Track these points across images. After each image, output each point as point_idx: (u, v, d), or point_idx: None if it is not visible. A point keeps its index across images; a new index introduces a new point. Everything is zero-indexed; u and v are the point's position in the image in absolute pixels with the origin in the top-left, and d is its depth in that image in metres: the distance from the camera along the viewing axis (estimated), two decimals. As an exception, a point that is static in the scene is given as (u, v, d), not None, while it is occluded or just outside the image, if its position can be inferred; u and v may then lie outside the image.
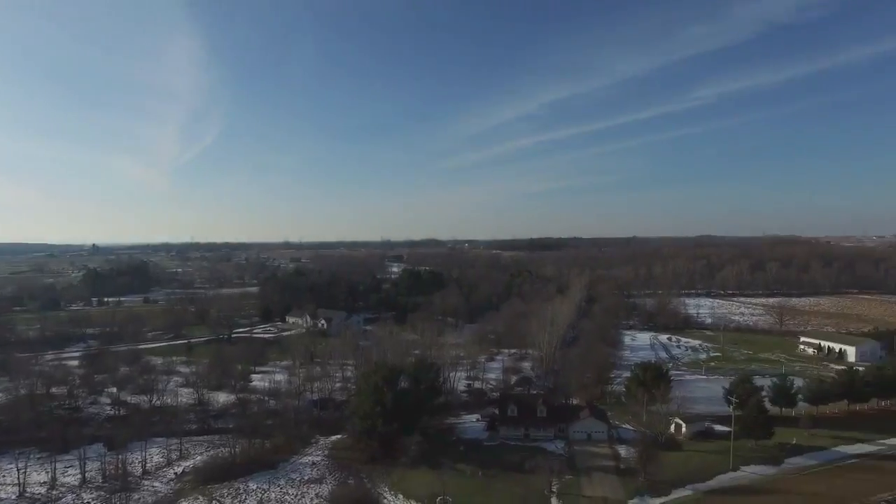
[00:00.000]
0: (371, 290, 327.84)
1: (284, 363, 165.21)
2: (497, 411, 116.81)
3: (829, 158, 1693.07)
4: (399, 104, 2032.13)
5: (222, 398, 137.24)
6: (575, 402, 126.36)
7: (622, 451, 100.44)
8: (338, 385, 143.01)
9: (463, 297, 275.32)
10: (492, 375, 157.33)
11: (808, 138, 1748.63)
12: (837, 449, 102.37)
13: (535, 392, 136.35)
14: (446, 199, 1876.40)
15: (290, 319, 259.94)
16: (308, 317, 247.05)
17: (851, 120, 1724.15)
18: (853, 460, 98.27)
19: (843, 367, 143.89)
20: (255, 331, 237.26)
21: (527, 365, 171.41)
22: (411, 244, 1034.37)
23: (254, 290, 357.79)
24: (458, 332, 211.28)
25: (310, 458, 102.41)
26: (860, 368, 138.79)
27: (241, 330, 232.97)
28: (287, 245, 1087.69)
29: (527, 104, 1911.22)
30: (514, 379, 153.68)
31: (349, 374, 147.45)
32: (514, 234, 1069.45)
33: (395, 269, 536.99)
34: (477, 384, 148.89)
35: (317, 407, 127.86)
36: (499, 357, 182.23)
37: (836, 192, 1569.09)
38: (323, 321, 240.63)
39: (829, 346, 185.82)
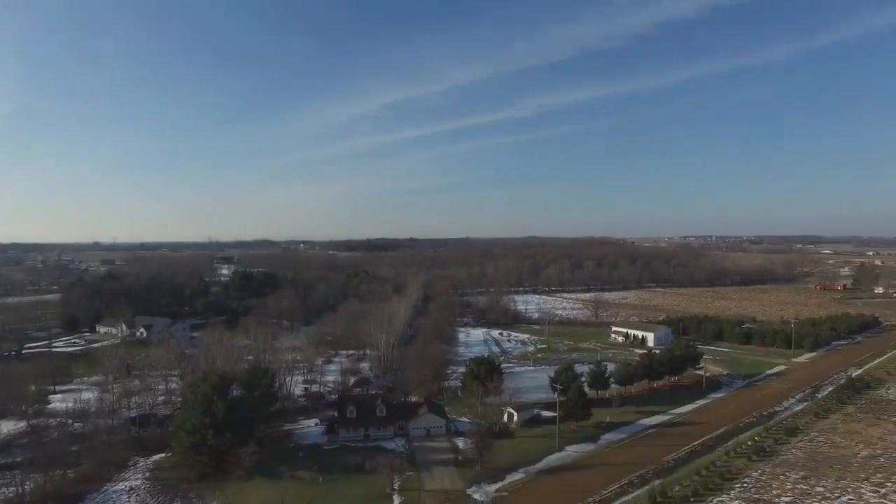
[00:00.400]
0: (198, 294, 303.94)
1: (94, 379, 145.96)
2: (336, 414, 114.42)
3: (629, 169, 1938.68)
4: (229, 94, 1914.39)
5: (7, 427, 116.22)
6: (414, 399, 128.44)
7: (460, 443, 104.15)
8: (161, 399, 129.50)
9: (299, 299, 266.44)
10: (330, 378, 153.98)
11: (612, 151, 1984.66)
12: (641, 422, 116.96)
13: (374, 392, 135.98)
14: (280, 198, 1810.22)
15: (102, 329, 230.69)
16: (124, 325, 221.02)
17: (644, 138, 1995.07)
18: (652, 430, 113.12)
19: (644, 352, 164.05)
20: (55, 344, 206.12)
21: (365, 365, 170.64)
22: (242, 245, 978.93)
23: (54, 297, 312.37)
24: (294, 335, 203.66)
25: (127, 483, 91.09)
26: (657, 351, 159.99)
27: (36, 344, 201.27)
28: (97, 246, 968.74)
29: (367, 105, 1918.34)
30: (352, 380, 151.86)
31: (174, 385, 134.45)
32: (351, 235, 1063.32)
33: (224, 272, 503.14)
34: (315, 387, 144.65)
35: (135, 425, 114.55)
36: (337, 359, 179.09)
37: (637, 198, 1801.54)
38: (142, 329, 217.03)
39: (633, 334, 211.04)
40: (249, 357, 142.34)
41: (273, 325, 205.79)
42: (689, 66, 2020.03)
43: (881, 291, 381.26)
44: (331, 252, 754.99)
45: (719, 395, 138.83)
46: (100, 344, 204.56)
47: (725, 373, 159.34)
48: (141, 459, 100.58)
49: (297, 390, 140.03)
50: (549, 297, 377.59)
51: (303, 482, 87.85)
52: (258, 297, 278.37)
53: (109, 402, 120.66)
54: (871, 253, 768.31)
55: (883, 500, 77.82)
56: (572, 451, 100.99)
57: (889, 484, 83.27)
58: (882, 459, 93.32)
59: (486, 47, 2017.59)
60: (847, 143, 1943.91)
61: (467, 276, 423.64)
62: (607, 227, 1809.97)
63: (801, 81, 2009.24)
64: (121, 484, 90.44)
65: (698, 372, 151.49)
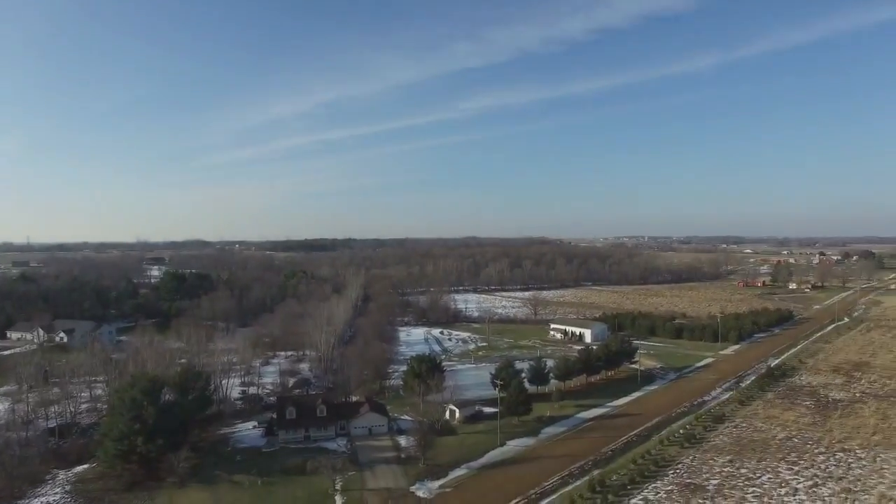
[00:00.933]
0: (126, 296, 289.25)
1: (5, 389, 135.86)
2: (275, 415, 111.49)
3: (566, 171, 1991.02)
4: (159, 87, 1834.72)
5: None
6: (355, 398, 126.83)
7: (402, 441, 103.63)
8: (84, 406, 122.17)
9: (234, 300, 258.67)
10: (268, 380, 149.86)
11: (551, 153, 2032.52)
12: (579, 415, 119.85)
13: (314, 392, 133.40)
14: (214, 196, 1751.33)
15: (14, 335, 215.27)
16: (41, 330, 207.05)
17: (581, 141, 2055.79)
18: (590, 422, 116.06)
19: (581, 347, 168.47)
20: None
21: (305, 366, 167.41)
22: (174, 245, 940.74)
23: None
24: (230, 337, 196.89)
25: (44, 498, 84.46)
26: (594, 347, 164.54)
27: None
28: (8, 246, 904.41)
29: (303, 102, 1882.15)
30: (292, 381, 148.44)
31: (100, 392, 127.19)
32: (289, 235, 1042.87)
33: (155, 273, 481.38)
34: (253, 390, 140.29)
35: (54, 436, 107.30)
36: (275, 360, 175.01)
37: (574, 200, 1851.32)
38: (62, 334, 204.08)
39: (571, 331, 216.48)
40: (182, 360, 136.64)
41: (208, 326, 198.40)
42: (621, 72, 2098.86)
43: (794, 287, 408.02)
44: (268, 252, 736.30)
45: (653, 387, 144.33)
46: (11, 351, 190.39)
47: (659, 366, 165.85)
48: (61, 472, 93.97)
49: (235, 393, 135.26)
50: (489, 296, 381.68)
51: (240, 486, 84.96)
52: (191, 298, 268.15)
53: (23, 412, 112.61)
54: (785, 252, 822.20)
55: (796, 477, 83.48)
56: (514, 445, 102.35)
57: (801, 462, 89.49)
58: (796, 440, 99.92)
59: (427, 47, 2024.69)
60: (766, 150, 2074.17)
61: (407, 275, 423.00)
62: (545, 228, 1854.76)
63: (723, 90, 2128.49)
64: (35, 500, 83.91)
65: (633, 366, 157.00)
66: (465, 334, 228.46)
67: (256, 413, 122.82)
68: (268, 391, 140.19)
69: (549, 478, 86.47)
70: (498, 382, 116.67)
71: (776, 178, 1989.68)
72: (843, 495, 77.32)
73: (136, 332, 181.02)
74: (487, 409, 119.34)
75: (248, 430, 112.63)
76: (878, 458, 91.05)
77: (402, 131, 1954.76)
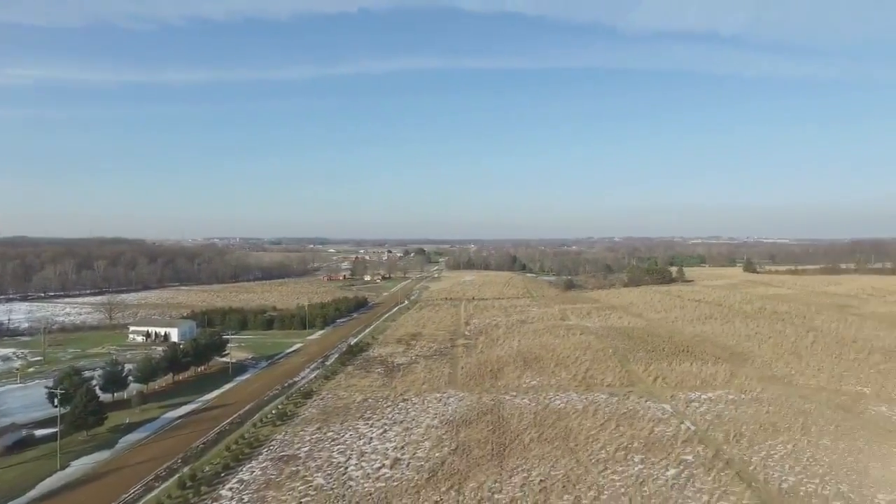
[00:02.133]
0: None
1: None
2: None
3: (153, 168, 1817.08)
4: None
5: None
6: None
7: None
8: None
9: None
10: None
11: (138, 147, 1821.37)
12: (166, 416, 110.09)
13: None
14: None
15: None
16: None
17: (170, 137, 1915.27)
18: (179, 420, 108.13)
19: (166, 347, 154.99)
20: None
21: None
22: None
23: None
24: None
25: None
26: (182, 344, 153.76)
27: None
28: None
29: None
30: None
31: None
32: None
33: None
34: None
35: None
36: None
37: (162, 198, 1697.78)
38: None
39: (156, 331, 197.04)
40: None
41: None
42: (218, 66, 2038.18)
43: (369, 279, 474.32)
44: None
45: (246, 376, 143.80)
46: None
47: (251, 356, 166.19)
48: None
49: None
50: (48, 304, 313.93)
51: None
52: None
53: None
54: (362, 251, 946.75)
55: (371, 429, 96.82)
56: (82, 463, 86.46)
57: (375, 416, 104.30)
58: (370, 401, 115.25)
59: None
60: (351, 162, 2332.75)
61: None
62: (122, 227, 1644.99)
63: (316, 101, 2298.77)
64: None
65: (224, 359, 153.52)
66: (7, 351, 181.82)
67: None
68: None
69: (130, 488, 76.23)
70: (58, 394, 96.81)
71: (356, 189, 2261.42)
72: (402, 434, 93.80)
73: None
74: (42, 432, 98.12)
75: None
76: (425, 401, 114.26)
77: None
